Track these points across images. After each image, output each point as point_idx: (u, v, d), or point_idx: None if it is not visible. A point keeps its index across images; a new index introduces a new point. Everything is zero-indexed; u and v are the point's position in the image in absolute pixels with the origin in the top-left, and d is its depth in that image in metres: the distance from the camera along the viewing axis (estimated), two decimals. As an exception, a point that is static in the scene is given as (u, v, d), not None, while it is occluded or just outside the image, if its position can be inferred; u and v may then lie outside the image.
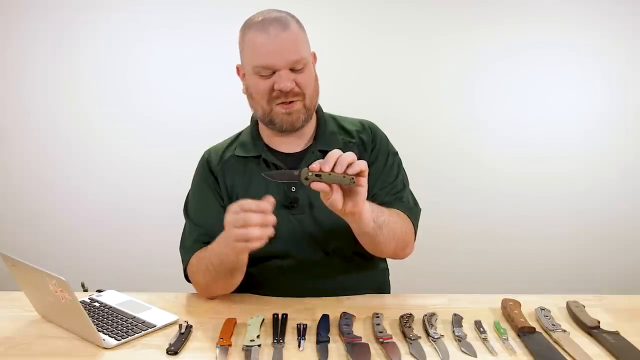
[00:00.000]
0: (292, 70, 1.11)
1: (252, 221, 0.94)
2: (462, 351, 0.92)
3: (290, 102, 1.13)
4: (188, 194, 1.29)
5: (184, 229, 1.26)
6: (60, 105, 2.43)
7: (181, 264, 1.23)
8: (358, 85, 2.35)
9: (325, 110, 1.30)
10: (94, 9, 2.36)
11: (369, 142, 1.25)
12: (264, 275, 1.20)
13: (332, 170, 0.93)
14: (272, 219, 0.96)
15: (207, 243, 1.15)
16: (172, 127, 2.42)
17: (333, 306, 1.10)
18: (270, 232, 0.96)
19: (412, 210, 1.22)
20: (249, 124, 1.31)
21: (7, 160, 2.48)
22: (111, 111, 2.43)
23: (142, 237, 2.47)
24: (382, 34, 2.35)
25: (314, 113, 1.24)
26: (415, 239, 1.22)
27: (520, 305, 1.07)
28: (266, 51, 1.10)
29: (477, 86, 2.40)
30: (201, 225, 1.21)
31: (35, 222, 2.50)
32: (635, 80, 2.38)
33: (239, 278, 1.12)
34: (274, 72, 1.11)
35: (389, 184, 1.22)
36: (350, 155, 0.94)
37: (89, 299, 1.15)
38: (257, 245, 0.95)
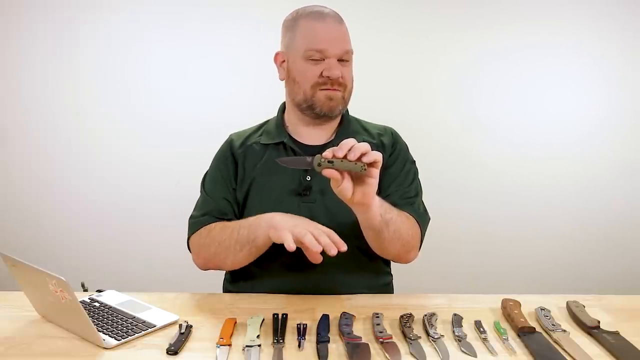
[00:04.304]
0: (340, 61, 1.19)
1: (324, 242, 0.99)
2: (462, 351, 0.92)
3: (334, 89, 1.19)
4: (208, 169, 1.34)
5: (198, 199, 1.31)
6: (60, 105, 2.43)
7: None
8: (356, 86, 2.34)
9: None
10: (94, 9, 2.36)
11: (389, 145, 1.28)
12: (267, 266, 1.21)
13: (345, 157, 0.94)
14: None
15: (218, 218, 1.22)
16: (172, 127, 2.42)
17: (333, 306, 1.10)
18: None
19: (421, 217, 1.22)
20: (275, 114, 1.35)
21: (7, 161, 2.48)
22: (111, 111, 2.43)
23: (142, 237, 2.47)
24: (381, 35, 2.35)
25: None
26: (421, 246, 1.23)
27: (520, 305, 1.07)
28: (323, 37, 1.18)
29: (476, 87, 2.40)
30: (213, 200, 1.26)
31: (36, 222, 2.50)
32: (635, 81, 2.38)
33: (249, 259, 1.16)
34: (323, 60, 1.17)
35: (403, 188, 1.24)
36: (365, 145, 0.95)
37: (89, 299, 1.15)
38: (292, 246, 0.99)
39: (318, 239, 0.99)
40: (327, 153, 0.94)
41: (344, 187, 0.96)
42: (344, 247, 1.00)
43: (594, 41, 2.35)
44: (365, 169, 0.94)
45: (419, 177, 1.31)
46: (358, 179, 0.97)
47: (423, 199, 1.28)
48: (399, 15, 2.35)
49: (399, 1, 2.35)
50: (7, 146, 2.47)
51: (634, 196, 2.45)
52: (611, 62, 2.37)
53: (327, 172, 0.94)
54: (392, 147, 1.29)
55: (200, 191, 1.32)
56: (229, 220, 1.24)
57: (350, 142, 0.95)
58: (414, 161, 1.32)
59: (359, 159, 0.94)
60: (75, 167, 2.47)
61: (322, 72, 1.17)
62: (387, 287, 1.33)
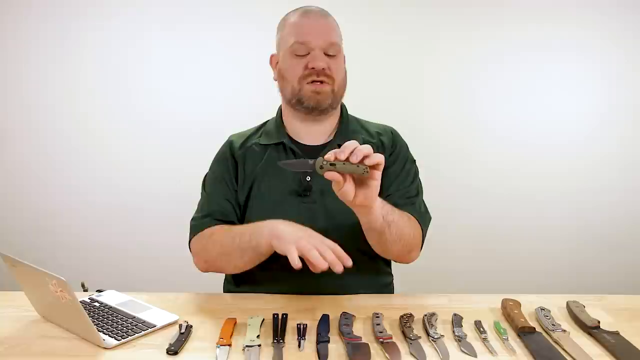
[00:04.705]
0: (326, 54, 1.19)
1: (330, 259, 0.98)
2: (462, 351, 0.92)
3: (321, 81, 1.19)
4: (208, 171, 1.34)
5: (199, 201, 1.31)
6: (60, 105, 2.43)
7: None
8: (358, 85, 2.33)
9: None
10: (94, 9, 2.36)
11: (389, 145, 1.28)
12: (267, 267, 1.21)
13: (347, 160, 0.93)
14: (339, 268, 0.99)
15: (220, 220, 1.22)
16: (172, 127, 2.42)
17: (333, 306, 1.10)
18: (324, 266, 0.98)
19: (423, 216, 1.22)
20: (275, 115, 1.35)
21: (7, 161, 2.48)
22: (111, 111, 2.43)
23: (142, 238, 2.47)
24: (382, 34, 2.35)
25: (339, 111, 1.30)
26: (422, 246, 1.22)
27: (520, 305, 1.07)
28: (306, 30, 1.19)
29: (477, 86, 2.40)
30: (215, 201, 1.25)
31: (36, 222, 2.50)
32: (635, 80, 2.38)
33: (251, 265, 1.15)
34: (308, 53, 1.18)
35: (404, 187, 1.24)
36: (367, 147, 0.94)
37: (89, 299, 1.15)
38: (297, 265, 0.98)
39: (324, 255, 0.98)
40: (329, 155, 0.94)
41: (345, 190, 0.95)
42: (349, 263, 1.00)
43: (595, 40, 2.35)
44: (367, 172, 0.94)
45: (420, 176, 1.31)
46: (360, 181, 0.97)
47: (424, 198, 1.28)
48: (400, 15, 2.35)
49: (400, 1, 2.34)
50: (7, 146, 2.47)
51: (635, 196, 2.45)
52: (612, 61, 2.36)
53: (329, 175, 0.94)
54: (392, 146, 1.29)
55: (201, 193, 1.31)
56: (231, 222, 1.24)
57: (352, 144, 0.94)
58: (414, 160, 1.31)
59: (361, 161, 0.93)
60: (75, 167, 2.47)
61: (307, 65, 1.18)
62: (387, 288, 1.33)
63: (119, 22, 2.37)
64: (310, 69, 1.18)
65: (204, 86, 2.40)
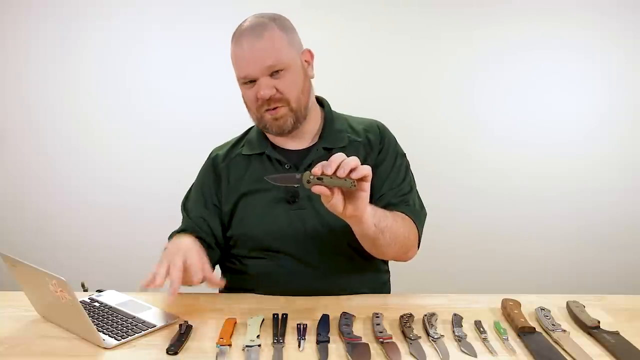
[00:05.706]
0: (273, 75, 1.14)
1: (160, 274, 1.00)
2: (462, 351, 0.92)
3: (275, 107, 1.16)
4: (190, 187, 1.34)
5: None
6: (60, 105, 2.43)
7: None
8: (358, 85, 2.35)
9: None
10: (94, 9, 2.36)
11: (376, 142, 1.26)
12: (262, 273, 1.21)
13: (334, 173, 0.92)
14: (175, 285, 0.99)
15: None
16: (172, 127, 2.42)
17: (333, 306, 1.10)
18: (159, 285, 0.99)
19: (417, 215, 1.21)
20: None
21: (7, 161, 2.48)
22: (111, 111, 2.43)
23: (142, 237, 2.47)
24: (382, 34, 2.35)
25: (320, 111, 1.28)
26: (419, 244, 1.22)
27: (520, 305, 1.07)
28: (242, 63, 1.15)
29: (477, 86, 2.41)
30: (191, 218, 1.27)
31: (36, 222, 2.50)
32: (635, 80, 2.38)
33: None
34: (255, 81, 1.15)
35: (397, 185, 1.22)
36: (354, 160, 0.93)
37: (89, 299, 1.15)
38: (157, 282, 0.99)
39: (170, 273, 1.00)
40: (316, 169, 0.92)
41: (334, 203, 0.94)
42: (175, 286, 0.99)
43: (595, 40, 2.35)
44: (354, 185, 0.93)
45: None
46: (349, 192, 0.96)
47: (420, 195, 1.27)
48: (399, 15, 2.35)
49: (401, 1, 2.34)
50: (7, 146, 2.47)
51: (635, 195, 2.45)
52: (612, 61, 2.36)
53: (317, 189, 0.93)
54: (379, 143, 1.26)
55: (181, 210, 1.32)
56: (203, 239, 1.22)
57: (339, 157, 0.93)
58: (404, 154, 1.29)
59: (348, 174, 0.92)
60: (75, 167, 2.47)
61: (256, 95, 1.15)
62: (385, 285, 1.33)
63: (119, 22, 2.37)
64: (260, 99, 1.15)
65: (204, 86, 2.40)
